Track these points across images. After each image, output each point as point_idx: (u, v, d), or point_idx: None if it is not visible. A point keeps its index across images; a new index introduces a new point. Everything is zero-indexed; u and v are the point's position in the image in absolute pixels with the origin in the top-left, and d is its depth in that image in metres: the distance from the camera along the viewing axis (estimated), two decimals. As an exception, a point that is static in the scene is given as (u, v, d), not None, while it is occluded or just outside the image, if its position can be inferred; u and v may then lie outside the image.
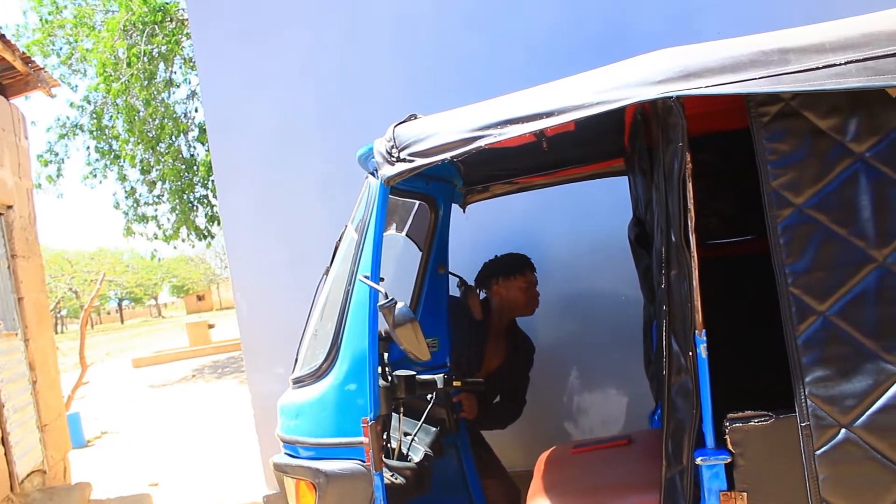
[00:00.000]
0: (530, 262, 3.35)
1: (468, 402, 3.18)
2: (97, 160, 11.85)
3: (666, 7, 3.84)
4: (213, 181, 10.85)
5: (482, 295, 3.40)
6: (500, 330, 3.38)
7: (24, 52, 5.84)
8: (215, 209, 11.78)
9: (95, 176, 11.96)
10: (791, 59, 1.67)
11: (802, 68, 1.65)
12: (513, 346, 3.41)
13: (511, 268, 3.31)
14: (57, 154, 11.72)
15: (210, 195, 11.66)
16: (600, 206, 3.78)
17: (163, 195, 11.75)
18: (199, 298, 55.01)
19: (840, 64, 1.63)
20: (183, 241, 12.46)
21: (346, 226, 2.57)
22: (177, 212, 11.62)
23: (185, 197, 11.45)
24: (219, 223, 11.73)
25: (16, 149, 6.02)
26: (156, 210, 11.99)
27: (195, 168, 11.08)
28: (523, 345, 3.46)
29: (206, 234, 12.18)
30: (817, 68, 1.64)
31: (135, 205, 11.92)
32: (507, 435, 3.58)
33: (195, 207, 11.72)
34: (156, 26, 10.40)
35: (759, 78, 1.67)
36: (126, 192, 11.89)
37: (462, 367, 3.28)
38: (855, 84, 1.62)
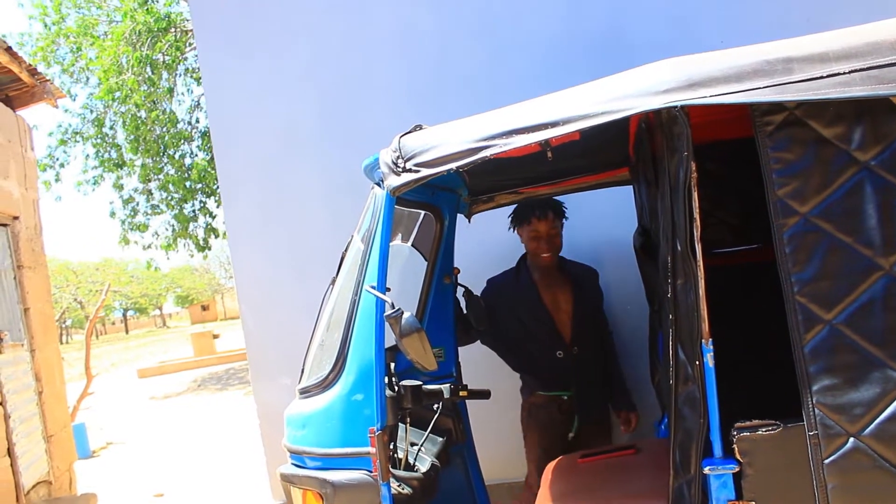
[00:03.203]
0: (543, 207, 3.28)
1: (634, 420, 3.47)
2: (94, 167, 11.77)
3: (667, 14, 3.86)
4: (213, 189, 10.92)
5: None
6: (546, 272, 3.40)
7: (30, 64, 5.86)
8: (215, 220, 11.80)
9: (95, 183, 11.84)
10: (795, 69, 1.67)
11: (806, 77, 1.66)
12: (570, 281, 3.42)
13: (519, 217, 3.36)
14: (57, 159, 11.64)
15: (210, 205, 11.66)
16: (605, 215, 3.78)
17: (160, 206, 11.68)
18: (204, 308, 55.11)
19: (844, 73, 1.64)
20: (191, 255, 12.45)
21: (352, 236, 2.57)
22: (175, 221, 11.61)
23: (186, 206, 11.44)
24: (216, 235, 11.76)
25: (22, 160, 6.04)
26: (149, 220, 11.93)
27: (193, 173, 11.06)
28: (583, 275, 3.49)
29: (205, 245, 12.17)
30: (821, 77, 1.64)
31: (132, 213, 11.86)
32: (513, 445, 3.57)
33: (196, 216, 11.73)
34: (160, 33, 10.45)
35: (764, 87, 1.67)
36: (123, 200, 11.83)
37: (535, 329, 3.36)
38: (859, 93, 1.62)
